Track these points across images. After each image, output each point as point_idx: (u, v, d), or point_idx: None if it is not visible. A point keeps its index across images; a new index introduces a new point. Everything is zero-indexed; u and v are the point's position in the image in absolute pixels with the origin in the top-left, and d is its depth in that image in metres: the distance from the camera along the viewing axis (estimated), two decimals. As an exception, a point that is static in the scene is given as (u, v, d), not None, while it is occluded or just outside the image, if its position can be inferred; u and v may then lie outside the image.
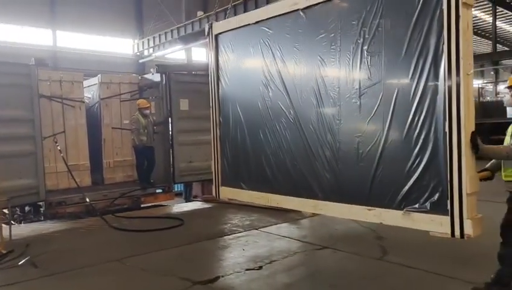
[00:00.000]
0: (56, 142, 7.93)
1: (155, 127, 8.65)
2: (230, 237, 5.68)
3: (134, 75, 10.10)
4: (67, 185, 8.17)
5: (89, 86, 9.48)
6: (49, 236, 5.91)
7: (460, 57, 3.28)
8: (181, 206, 8.35)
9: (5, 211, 6.81)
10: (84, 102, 8.70)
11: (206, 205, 8.16)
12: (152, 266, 4.54)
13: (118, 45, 24.10)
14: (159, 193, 8.72)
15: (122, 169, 9.19)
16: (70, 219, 7.21)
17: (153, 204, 8.56)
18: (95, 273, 4.33)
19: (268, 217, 6.57)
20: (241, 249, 5.08)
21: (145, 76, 9.76)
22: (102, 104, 8.96)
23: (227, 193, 5.53)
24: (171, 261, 4.76)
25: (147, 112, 8.40)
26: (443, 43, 3.37)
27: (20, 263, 4.50)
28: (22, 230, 6.33)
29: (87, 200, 7.38)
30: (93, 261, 4.66)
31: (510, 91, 3.73)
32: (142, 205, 8.40)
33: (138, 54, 23.69)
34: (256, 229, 6.05)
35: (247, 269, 4.36)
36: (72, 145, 8.43)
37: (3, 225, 5.64)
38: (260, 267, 4.42)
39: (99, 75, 9.11)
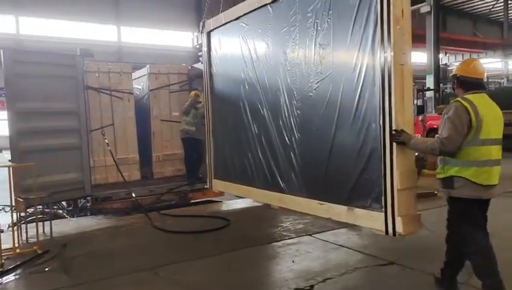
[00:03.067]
0: (104, 135, 7.75)
1: (203, 120, 8.19)
2: (279, 244, 5.01)
3: (183, 64, 9.70)
4: (116, 179, 7.97)
5: (139, 77, 9.25)
6: (90, 235, 5.63)
7: (391, 46, 3.08)
8: (230, 204, 7.81)
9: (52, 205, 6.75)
10: (132, 93, 8.44)
11: (257, 203, 7.54)
12: (187, 277, 4.00)
13: (179, 38, 24.35)
14: (207, 188, 8.26)
15: (171, 163, 8.87)
16: (116, 215, 6.98)
17: (201, 200, 8.14)
18: (125, 284, 3.88)
19: (323, 221, 5.79)
20: (291, 261, 4.38)
21: (195, 65, 9.32)
22: (151, 95, 8.66)
23: (218, 185, 5.90)
24: (210, 272, 4.20)
25: (200, 105, 7.98)
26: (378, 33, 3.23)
27: (47, 269, 4.17)
28: (66, 226, 6.13)
29: (133, 195, 7.12)
30: (127, 268, 4.23)
31: None
32: (190, 201, 8.01)
33: (198, 46, 23.70)
34: (310, 235, 5.32)
35: (295, 289, 3.67)
36: (120, 138, 8.23)
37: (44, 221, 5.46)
38: (311, 287, 3.69)
39: (147, 66, 8.81)
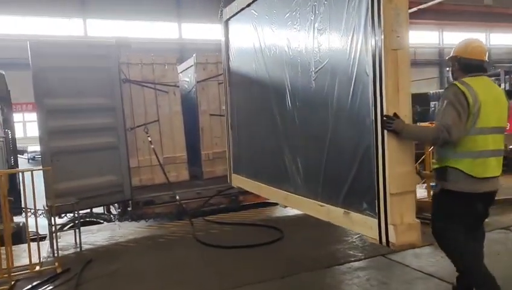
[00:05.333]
0: (147, 133, 7.11)
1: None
2: (343, 268, 3.89)
3: (233, 52, 8.79)
4: (162, 180, 7.31)
5: (186, 69, 8.53)
6: (121, 247, 4.94)
7: (382, 29, 2.71)
8: (286, 209, 6.77)
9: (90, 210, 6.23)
10: (178, 86, 7.71)
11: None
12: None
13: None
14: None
15: (222, 161, 7.96)
16: (158, 221, 6.30)
17: (253, 203, 7.19)
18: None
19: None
20: (358, 297, 3.26)
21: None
22: (199, 87, 7.86)
23: (237, 180, 5.55)
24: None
25: None
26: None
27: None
28: (100, 235, 5.53)
29: (177, 197, 6.38)
30: (147, 298, 3.41)
31: None
32: (241, 204, 7.11)
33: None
34: (383, 255, 4.13)
35: None
36: (167, 136, 7.54)
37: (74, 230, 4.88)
38: None
39: (194, 55, 8.02)
